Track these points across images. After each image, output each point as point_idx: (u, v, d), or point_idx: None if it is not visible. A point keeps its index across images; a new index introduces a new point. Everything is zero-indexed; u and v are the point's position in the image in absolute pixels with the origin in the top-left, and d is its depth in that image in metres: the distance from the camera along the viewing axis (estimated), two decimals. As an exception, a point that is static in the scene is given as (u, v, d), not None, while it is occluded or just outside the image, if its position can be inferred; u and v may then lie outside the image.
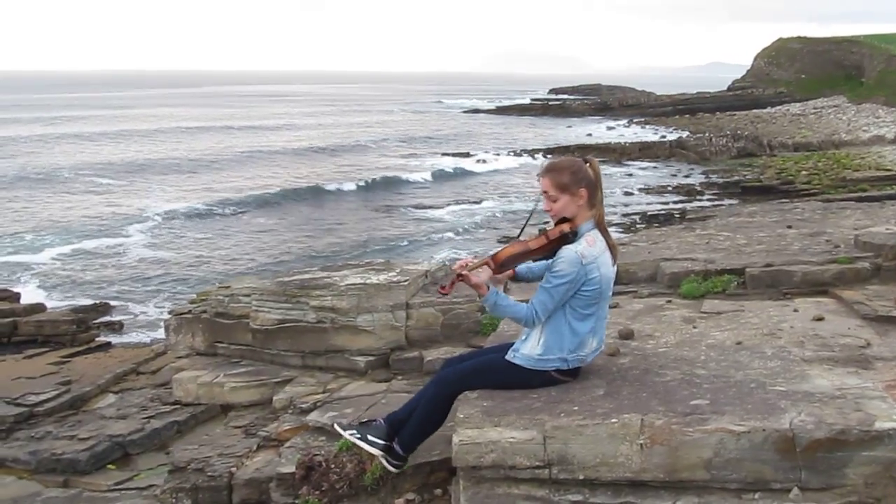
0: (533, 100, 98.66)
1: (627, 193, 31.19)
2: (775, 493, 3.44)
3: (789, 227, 8.59)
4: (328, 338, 7.28)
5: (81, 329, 15.72)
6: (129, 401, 8.49)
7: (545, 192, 4.13)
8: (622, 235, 18.64)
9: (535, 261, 4.38)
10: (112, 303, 19.82)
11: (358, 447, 4.78)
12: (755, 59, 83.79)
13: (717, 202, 27.40)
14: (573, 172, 4.05)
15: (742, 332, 5.06)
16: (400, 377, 6.88)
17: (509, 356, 4.28)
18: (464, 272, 4.12)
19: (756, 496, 3.46)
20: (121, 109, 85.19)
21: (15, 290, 20.03)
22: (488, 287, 4.18)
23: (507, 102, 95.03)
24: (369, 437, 4.61)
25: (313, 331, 7.34)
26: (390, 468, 4.63)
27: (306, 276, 8.01)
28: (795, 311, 5.49)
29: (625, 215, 26.01)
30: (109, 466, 7.15)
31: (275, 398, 6.95)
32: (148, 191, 35.29)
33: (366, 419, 4.98)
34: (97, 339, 14.77)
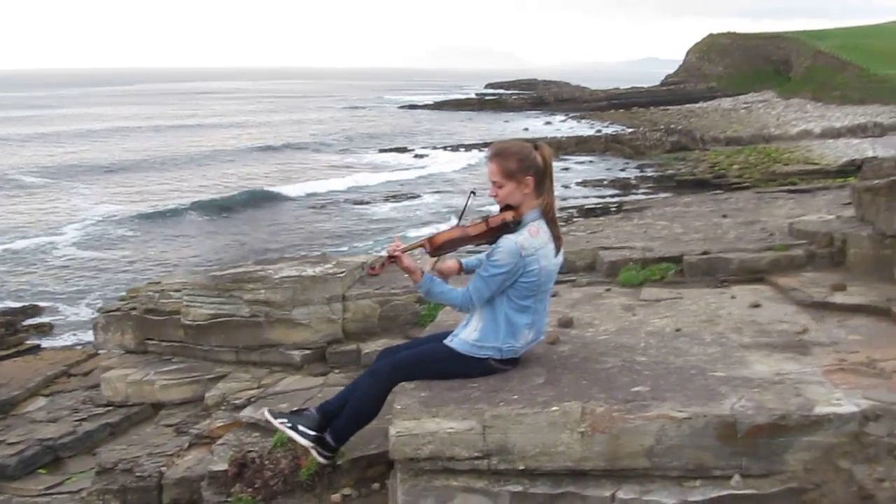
0: (472, 95, 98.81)
1: (565, 187, 31.37)
2: (716, 480, 3.40)
3: (725, 216, 8.66)
4: (263, 332, 7.09)
5: (9, 332, 15.42)
6: (60, 403, 8.27)
7: (491, 177, 4.04)
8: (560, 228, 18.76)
9: (476, 249, 4.30)
10: (41, 304, 19.30)
11: (290, 439, 4.62)
12: (687, 54, 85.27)
13: (652, 195, 27.72)
14: (520, 159, 3.95)
15: (681, 319, 5.04)
16: (337, 371, 6.74)
17: (447, 340, 4.19)
18: (396, 253, 4.01)
19: (697, 483, 3.42)
20: (47, 109, 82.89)
21: None
22: (422, 272, 4.08)
23: (444, 97, 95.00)
24: (300, 427, 4.46)
25: (247, 325, 7.14)
26: (321, 459, 4.50)
27: (240, 269, 7.80)
28: (733, 297, 5.50)
29: (562, 209, 26.13)
30: (40, 471, 6.95)
31: (207, 395, 6.74)
32: (78, 192, 34.47)
33: (297, 408, 4.82)
34: (26, 341, 14.51)
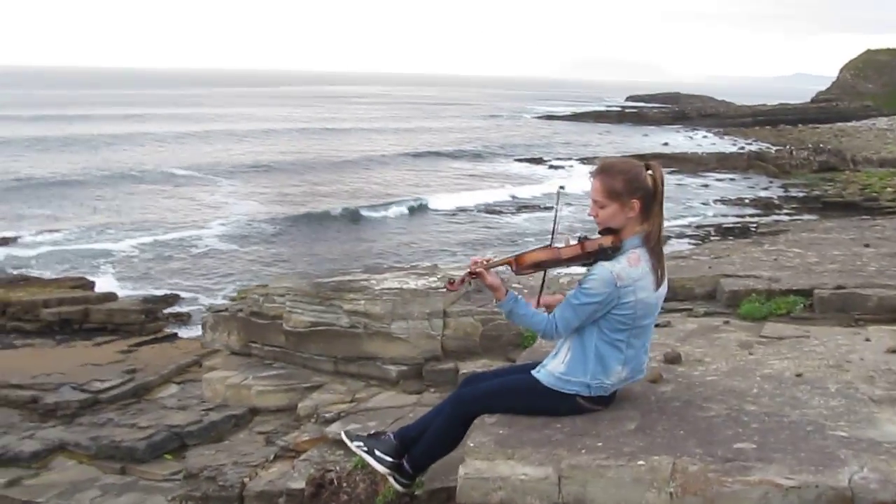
0: (612, 107, 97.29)
1: (703, 204, 30.24)
2: (829, 559, 2.91)
3: (867, 245, 7.89)
4: (361, 344, 6.90)
5: (149, 319, 16.14)
6: (190, 392, 8.47)
7: (593, 196, 3.67)
8: (688, 247, 17.96)
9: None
10: (182, 294, 20.15)
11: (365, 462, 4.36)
12: (841, 70, 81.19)
13: (795, 217, 26.30)
14: (628, 179, 3.56)
15: (804, 362, 4.49)
16: (433, 389, 6.48)
17: (535, 371, 3.83)
18: (479, 269, 3.69)
19: (805, 561, 2.93)
20: (198, 108, 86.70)
21: (91, 278, 20.64)
22: (507, 290, 3.74)
23: (583, 109, 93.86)
24: (376, 452, 4.17)
25: (346, 336, 6.97)
26: (398, 487, 4.19)
27: (345, 277, 7.66)
28: (867, 340, 4.88)
29: (699, 227, 25.12)
30: (166, 456, 7.11)
31: (300, 405, 6.61)
32: (228, 189, 35.79)
33: (375, 431, 4.56)
34: (164, 329, 15.14)
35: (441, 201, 32.55)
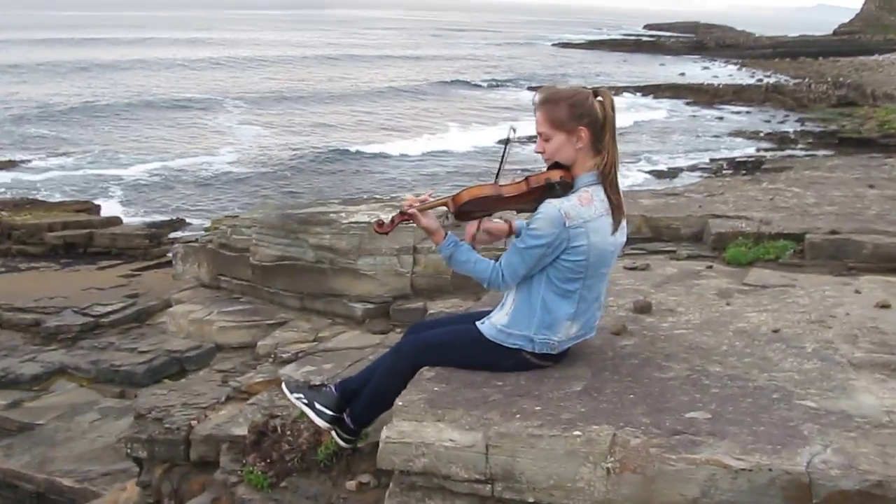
0: (626, 35, 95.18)
1: (716, 137, 29.55)
2: (782, 550, 2.56)
3: (871, 186, 7.41)
4: (327, 280, 6.56)
5: (153, 244, 16.17)
6: None
7: (538, 128, 3.25)
8: (696, 180, 17.43)
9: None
10: (188, 219, 20.00)
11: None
12: (865, 2, 78.79)
13: (810, 152, 25.62)
14: (572, 105, 3.14)
15: (784, 315, 4.09)
16: (399, 329, 6.12)
17: (480, 322, 3.46)
18: (412, 210, 3.31)
19: (756, 551, 2.59)
20: (209, 32, 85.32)
21: (97, 202, 20.57)
22: (446, 233, 3.36)
23: (599, 37, 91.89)
24: (317, 406, 3.84)
25: (312, 271, 6.63)
26: (341, 443, 3.88)
27: (315, 209, 7.27)
28: (857, 292, 4.47)
29: (712, 160, 24.52)
30: (165, 381, 7.03)
31: (259, 343, 6.31)
32: (238, 117, 35.29)
33: (319, 382, 4.22)
34: (168, 254, 15.11)
35: (449, 134, 31.89)
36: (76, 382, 7.78)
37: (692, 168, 23.65)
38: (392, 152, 28.43)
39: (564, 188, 3.17)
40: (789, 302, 4.37)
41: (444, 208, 3.35)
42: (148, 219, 19.75)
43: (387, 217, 3.44)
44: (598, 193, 3.18)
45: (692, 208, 6.69)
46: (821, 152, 25.10)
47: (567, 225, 3.10)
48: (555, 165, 3.24)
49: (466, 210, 3.31)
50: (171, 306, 7.73)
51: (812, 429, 2.76)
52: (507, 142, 3.29)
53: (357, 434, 3.89)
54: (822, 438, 2.68)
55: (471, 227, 3.48)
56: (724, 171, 22.23)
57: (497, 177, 3.34)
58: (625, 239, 3.37)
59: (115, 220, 18.08)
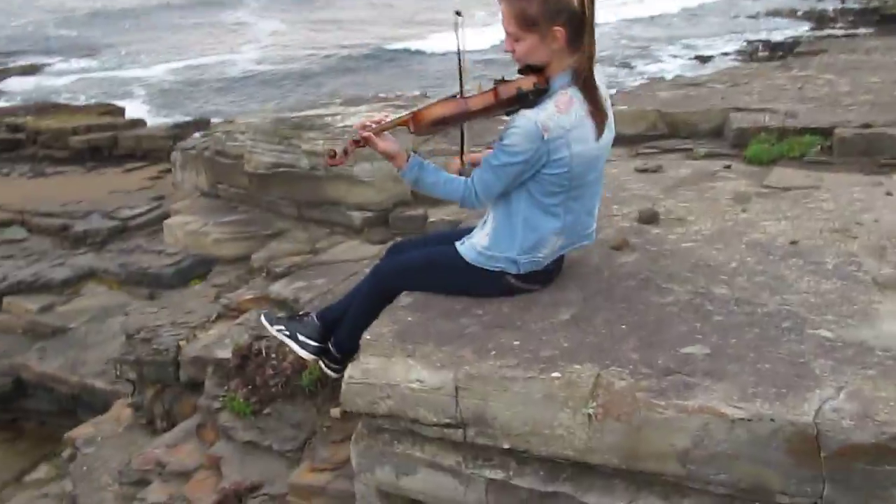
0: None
1: (751, 18, 28.28)
2: (784, 506, 2.26)
3: (913, 69, 6.82)
4: (323, 188, 6.21)
5: (175, 147, 16.05)
6: None
7: (504, 25, 2.82)
8: (727, 66, 16.60)
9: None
10: (212, 119, 19.83)
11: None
12: None
13: (850, 31, 24.39)
14: (546, 0, 2.69)
15: (805, 223, 3.69)
16: (399, 238, 5.80)
17: (459, 242, 3.12)
18: (367, 133, 2.94)
19: (754, 506, 2.29)
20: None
21: (120, 104, 20.50)
22: (409, 155, 2.99)
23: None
24: (299, 337, 3.55)
25: (307, 179, 6.28)
26: (330, 372, 3.59)
27: (312, 111, 6.88)
28: (889, 194, 4.04)
29: (748, 42, 23.46)
30: (193, 282, 6.97)
31: (253, 256, 6.04)
32: (260, 14, 34.40)
33: (301, 313, 3.93)
34: None
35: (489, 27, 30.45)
36: (106, 285, 7.94)
37: (724, 53, 22.70)
38: (426, 48, 27.42)
39: (539, 95, 2.76)
40: (811, 207, 3.95)
41: (405, 128, 2.96)
42: (173, 118, 19.64)
43: (344, 145, 3.06)
44: (577, 97, 2.77)
45: (713, 100, 6.18)
46: (861, 30, 23.91)
47: (546, 138, 2.71)
48: (526, 69, 2.82)
49: (430, 129, 2.94)
50: (168, 217, 7.46)
51: (824, 366, 2.41)
52: (458, 38, 2.86)
53: (344, 362, 3.61)
54: (835, 379, 2.33)
55: (453, 164, 3.13)
56: (759, 55, 21.31)
57: (460, 86, 2.93)
58: (612, 136, 2.97)
59: (140, 123, 18.09)
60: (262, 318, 3.75)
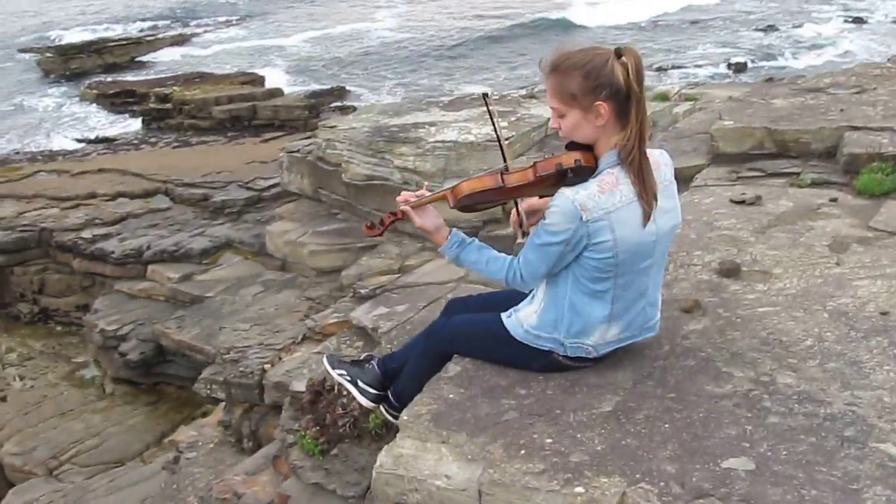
0: None
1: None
2: None
3: None
4: (415, 203, 6.15)
5: (312, 115, 16.73)
6: None
7: (549, 102, 2.68)
8: (831, 61, 15.39)
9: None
10: (348, 87, 20.24)
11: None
12: None
13: None
14: (587, 75, 2.53)
15: (905, 285, 3.36)
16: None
17: (506, 314, 3.00)
18: (405, 208, 2.85)
19: None
20: None
21: (261, 73, 21.33)
22: (451, 230, 2.89)
23: None
24: (360, 384, 3.57)
25: (399, 192, 6.21)
26: (390, 418, 3.59)
27: (408, 118, 6.81)
28: None
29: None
30: None
31: (343, 273, 6.08)
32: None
33: (364, 357, 3.92)
34: (329, 126, 15.61)
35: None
36: (241, 255, 8.34)
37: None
38: (574, 18, 26.57)
39: (582, 173, 2.61)
40: (920, 262, 3.60)
41: (444, 202, 2.86)
42: (310, 87, 20.16)
43: (377, 219, 2.99)
44: (623, 176, 2.59)
45: (831, 113, 5.71)
46: None
47: (584, 219, 2.55)
48: (572, 145, 2.66)
49: (468, 204, 2.82)
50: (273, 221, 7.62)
51: (879, 499, 2.17)
52: (490, 115, 2.73)
53: (402, 410, 3.59)
54: (887, 519, 2.10)
55: (513, 217, 3.00)
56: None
57: (503, 158, 2.81)
58: (675, 223, 2.77)
59: (277, 92, 18.80)
60: (325, 362, 3.76)
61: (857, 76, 6.82)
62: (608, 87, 2.50)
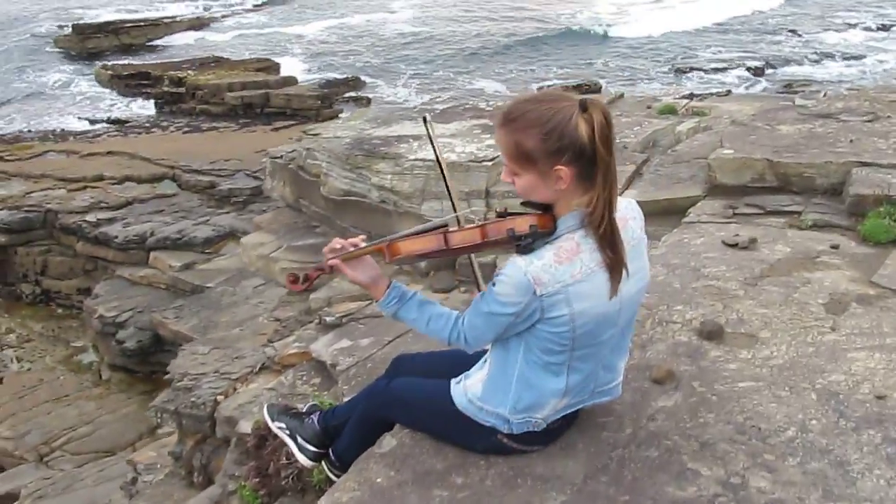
0: None
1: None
2: None
3: None
4: (392, 223, 5.83)
5: (325, 105, 16.68)
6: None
7: (502, 156, 2.32)
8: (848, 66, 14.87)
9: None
10: (363, 78, 20.09)
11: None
12: None
13: None
14: (546, 134, 2.15)
15: (906, 360, 2.98)
16: (464, 289, 5.36)
17: (455, 381, 2.65)
18: (335, 261, 2.50)
19: None
20: None
21: (277, 60, 21.29)
22: (389, 284, 2.52)
23: None
24: (299, 440, 3.24)
25: (378, 211, 5.93)
26: (332, 477, 3.25)
27: (394, 129, 6.45)
28: None
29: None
30: None
31: (311, 296, 5.71)
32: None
33: (305, 410, 3.57)
34: (339, 116, 15.73)
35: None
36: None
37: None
38: (590, 26, 26.03)
39: (538, 238, 2.23)
40: (924, 331, 3.22)
41: (379, 256, 2.50)
42: (325, 76, 20.05)
43: (301, 272, 2.63)
44: (586, 242, 2.22)
45: (839, 144, 5.32)
46: None
47: (538, 293, 2.19)
48: (529, 202, 2.30)
49: (406, 262, 2.46)
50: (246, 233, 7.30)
51: None
52: (434, 147, 2.39)
53: (345, 470, 3.25)
54: None
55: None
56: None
57: (453, 205, 2.46)
58: (642, 284, 2.41)
59: (291, 80, 18.79)
60: (265, 411, 3.44)
61: (871, 101, 6.42)
62: (570, 149, 2.12)
